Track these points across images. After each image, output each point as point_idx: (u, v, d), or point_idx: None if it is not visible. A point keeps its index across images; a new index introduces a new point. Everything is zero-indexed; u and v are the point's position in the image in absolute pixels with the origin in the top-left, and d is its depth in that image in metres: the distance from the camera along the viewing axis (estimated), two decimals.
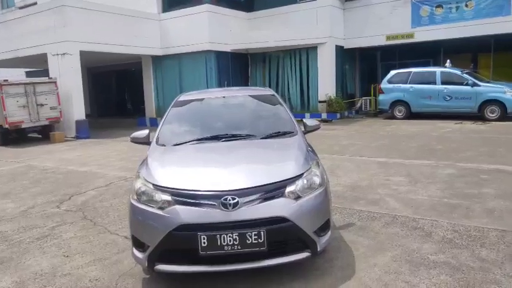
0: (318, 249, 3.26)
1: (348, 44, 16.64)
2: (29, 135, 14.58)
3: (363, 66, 18.43)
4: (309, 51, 16.06)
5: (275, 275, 3.35)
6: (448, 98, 13.34)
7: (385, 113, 15.35)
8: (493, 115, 12.79)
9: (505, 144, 8.90)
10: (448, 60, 14.29)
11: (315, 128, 4.51)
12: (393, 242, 3.99)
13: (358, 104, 16.68)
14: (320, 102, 15.62)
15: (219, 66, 16.15)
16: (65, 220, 5.18)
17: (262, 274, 3.33)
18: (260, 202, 3.09)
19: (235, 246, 3.00)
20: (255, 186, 3.13)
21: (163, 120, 4.46)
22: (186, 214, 3.05)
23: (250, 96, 4.92)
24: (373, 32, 15.93)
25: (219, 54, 16.15)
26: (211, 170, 3.45)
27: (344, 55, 16.73)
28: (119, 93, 24.35)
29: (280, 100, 4.80)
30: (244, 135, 4.09)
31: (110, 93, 24.18)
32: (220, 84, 15.96)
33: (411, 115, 14.20)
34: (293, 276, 3.37)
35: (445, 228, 4.28)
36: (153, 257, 3.14)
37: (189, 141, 4.02)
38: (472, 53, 16.77)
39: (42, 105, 13.72)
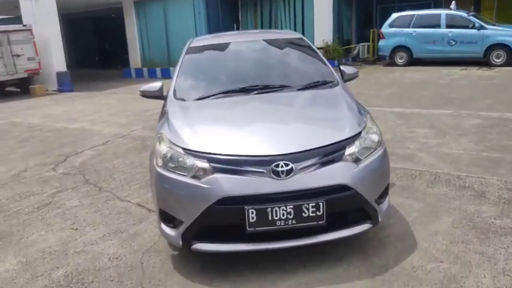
0: (379, 219, 2.80)
1: None
2: (7, 89, 13.53)
3: (359, 10, 17.46)
4: None
5: (329, 248, 2.89)
6: (453, 43, 12.72)
7: (384, 60, 14.71)
8: (499, 60, 12.29)
9: None
10: (453, 2, 13.50)
11: (354, 76, 3.92)
12: (446, 205, 3.56)
13: (356, 51, 15.91)
14: (317, 48, 14.80)
15: (208, 11, 15.02)
16: (65, 185, 4.60)
17: (313, 247, 2.85)
18: (317, 168, 2.56)
19: (290, 221, 2.50)
20: (311, 149, 2.59)
21: (177, 69, 3.79)
22: (230, 184, 2.50)
23: (276, 39, 4.25)
24: None
25: None
26: (254, 130, 2.86)
27: None
28: (98, 43, 22.87)
29: (311, 44, 4.16)
30: (278, 86, 3.48)
31: (89, 43, 22.66)
32: (209, 31, 14.92)
33: (412, 61, 13.61)
34: (350, 249, 2.92)
35: (497, 186, 3.87)
36: (189, 235, 2.63)
37: (214, 95, 3.39)
38: None
39: (18, 55, 12.61)
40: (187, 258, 2.94)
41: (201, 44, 4.14)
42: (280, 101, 3.30)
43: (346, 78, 3.82)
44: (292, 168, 2.50)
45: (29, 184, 4.72)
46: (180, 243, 2.68)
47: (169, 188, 2.67)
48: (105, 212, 3.83)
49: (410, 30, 13.35)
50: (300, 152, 2.56)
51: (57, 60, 13.29)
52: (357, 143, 2.73)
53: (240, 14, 16.56)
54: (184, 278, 2.74)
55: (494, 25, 12.78)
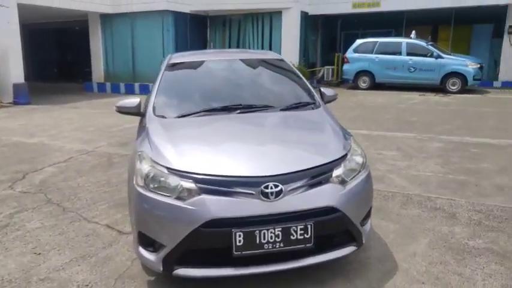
0: (364, 242, 2.78)
1: (313, 11, 16.05)
2: None
3: (324, 35, 18.00)
4: (273, 16, 15.30)
5: (311, 271, 2.83)
6: (413, 69, 13.32)
7: (347, 83, 15.14)
8: (454, 87, 12.97)
9: (476, 117, 8.94)
10: (414, 31, 14.20)
11: (334, 98, 3.96)
12: (421, 226, 3.62)
13: (320, 73, 16.32)
14: None
15: (177, 29, 14.94)
16: (24, 205, 4.29)
17: (296, 271, 2.78)
18: (306, 190, 2.52)
19: (278, 244, 2.44)
20: (300, 171, 2.55)
21: (156, 85, 3.68)
22: (218, 206, 2.41)
23: (257, 59, 4.24)
24: None
25: (177, 16, 14.92)
26: (242, 150, 2.79)
27: (307, 22, 16.16)
28: (60, 55, 22.11)
29: (291, 65, 4.18)
30: (261, 106, 3.44)
31: (50, 55, 21.84)
32: (177, 49, 14.82)
33: (375, 86, 14.09)
34: (331, 271, 2.88)
35: (466, 208, 3.99)
36: (171, 259, 2.49)
37: (196, 113, 3.31)
38: (432, 25, 16.89)
39: None
40: (164, 284, 2.79)
41: (181, 61, 4.06)
42: (265, 121, 3.26)
43: (326, 100, 3.84)
44: (281, 190, 2.45)
45: None
46: (161, 268, 2.53)
47: (151, 209, 2.54)
48: (71, 235, 3.59)
49: (373, 56, 13.87)
50: (290, 173, 2.52)
51: (14, 71, 12.68)
52: (343, 165, 2.72)
53: (208, 33, 16.58)
54: None
55: (450, 55, 13.51)
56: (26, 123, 9.14)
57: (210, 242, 2.45)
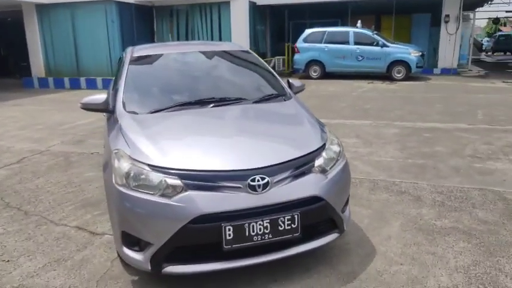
0: (345, 228, 2.88)
1: (261, 1, 16.05)
2: None
3: (273, 25, 18.11)
4: (221, 6, 15.13)
5: (295, 260, 2.88)
6: (361, 58, 13.78)
7: (299, 73, 15.38)
8: (399, 75, 13.59)
9: (423, 103, 9.43)
10: (359, 21, 14.66)
11: (302, 89, 4.01)
12: (390, 210, 3.79)
13: (272, 64, 16.42)
14: None
15: (122, 20, 14.34)
16: None
17: (282, 261, 2.82)
18: (291, 181, 2.56)
19: (266, 235, 2.46)
20: (285, 162, 2.58)
21: (123, 80, 3.51)
22: (206, 201, 2.38)
23: (224, 51, 4.19)
24: None
25: (121, 6, 14.32)
26: (223, 144, 2.76)
27: (255, 12, 16.16)
28: None
29: (258, 57, 4.18)
30: (234, 99, 3.42)
31: None
32: (123, 41, 14.25)
33: (325, 75, 14.42)
34: (315, 258, 2.95)
35: (428, 190, 4.22)
36: (159, 258, 2.44)
37: (169, 107, 3.22)
38: (375, 15, 17.50)
39: None
40: (149, 283, 2.73)
41: (145, 54, 3.92)
42: (241, 114, 3.24)
43: (295, 91, 3.89)
44: (268, 182, 2.47)
45: None
46: (149, 267, 2.47)
47: (135, 208, 2.46)
48: (40, 239, 3.40)
49: (322, 45, 14.17)
50: (275, 165, 2.54)
51: None
52: (323, 154, 2.78)
53: (155, 24, 16.12)
54: None
55: (394, 43, 14.11)
56: None
57: (199, 237, 2.43)
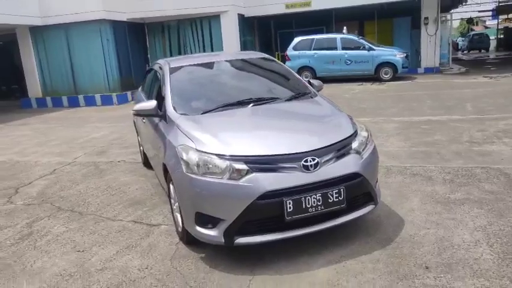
0: (379, 201, 3.36)
1: (249, 12, 16.68)
2: None
3: (261, 35, 18.74)
4: (211, 20, 15.68)
5: (337, 232, 3.35)
6: (349, 62, 14.44)
7: None
8: (387, 76, 14.29)
9: (413, 100, 10.04)
10: (345, 27, 15.39)
11: (321, 88, 4.52)
12: (408, 188, 4.29)
13: None
14: None
15: (116, 38, 14.73)
16: (37, 214, 4.36)
17: (328, 232, 3.28)
18: (335, 161, 3.04)
19: (319, 207, 2.92)
20: (330, 145, 3.07)
21: (167, 88, 3.93)
22: (269, 180, 2.84)
23: (247, 59, 4.70)
24: (273, 1, 16.23)
25: (115, 24, 14.72)
26: (275, 133, 3.25)
27: (244, 24, 16.76)
28: None
29: (280, 62, 4.68)
30: (269, 99, 3.90)
31: None
32: (119, 58, 14.65)
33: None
34: (353, 229, 3.43)
35: (437, 171, 4.75)
36: (232, 231, 2.88)
37: (216, 108, 3.68)
38: (358, 21, 18.29)
39: None
40: (218, 258, 3.15)
41: (180, 65, 4.37)
42: (280, 109, 3.73)
43: (316, 90, 4.39)
44: (318, 162, 2.94)
45: None
46: (222, 240, 2.90)
47: (207, 191, 2.90)
48: (103, 233, 3.79)
49: (312, 52, 14.81)
50: (322, 148, 3.02)
51: None
52: (356, 139, 3.28)
53: (148, 40, 16.55)
54: (225, 273, 2.95)
55: (379, 46, 14.83)
56: None
57: (265, 211, 2.87)
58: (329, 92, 12.74)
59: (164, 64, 4.43)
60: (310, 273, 2.88)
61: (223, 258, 3.14)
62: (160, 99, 3.94)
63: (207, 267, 3.05)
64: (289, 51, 15.16)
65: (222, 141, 3.08)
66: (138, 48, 16.21)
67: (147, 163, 5.50)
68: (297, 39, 15.23)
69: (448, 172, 4.69)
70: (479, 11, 33.17)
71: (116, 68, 14.67)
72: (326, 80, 15.18)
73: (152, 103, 3.83)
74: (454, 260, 2.89)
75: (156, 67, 4.85)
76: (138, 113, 3.89)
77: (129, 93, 14.83)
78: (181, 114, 3.62)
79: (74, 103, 14.56)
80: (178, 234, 3.53)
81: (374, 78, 14.58)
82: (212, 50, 15.84)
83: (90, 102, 14.39)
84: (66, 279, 3.04)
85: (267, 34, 19.17)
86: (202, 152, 3.01)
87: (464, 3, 21.75)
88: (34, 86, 15.40)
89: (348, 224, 3.27)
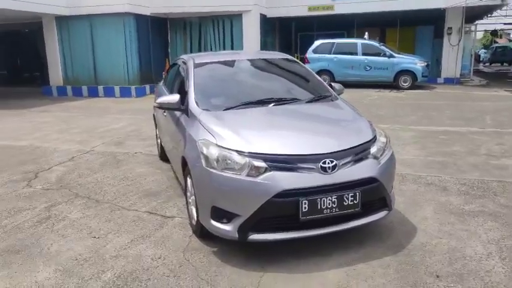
0: (393, 207, 3.37)
1: (271, 13, 16.71)
2: None
3: (282, 37, 18.77)
4: (233, 19, 15.74)
5: (348, 235, 3.37)
6: (368, 68, 14.39)
7: None
8: (406, 84, 14.19)
9: (432, 109, 9.98)
10: (366, 33, 15.32)
11: (342, 92, 4.54)
12: (422, 197, 4.29)
13: None
14: None
15: (138, 32, 14.91)
16: (55, 199, 4.47)
17: (339, 236, 3.30)
18: (353, 164, 3.07)
19: (334, 209, 2.95)
20: (349, 148, 3.09)
21: (191, 83, 3.99)
22: (287, 179, 2.88)
23: (270, 59, 4.74)
24: (296, 2, 16.24)
25: (138, 18, 14.91)
26: (295, 134, 3.29)
27: (266, 24, 16.80)
28: (9, 59, 21.11)
29: (302, 63, 4.71)
30: (290, 99, 3.94)
31: None
32: (140, 51, 14.84)
33: None
34: (365, 234, 3.44)
35: (452, 182, 4.72)
36: (246, 227, 2.93)
37: (238, 106, 3.73)
38: (380, 27, 18.19)
39: None
40: (230, 253, 3.20)
41: (204, 61, 4.43)
42: (301, 110, 3.77)
43: (337, 93, 4.41)
44: (336, 165, 2.97)
45: (10, 201, 4.48)
46: (237, 235, 2.95)
47: (225, 186, 2.95)
48: (119, 221, 3.88)
49: (331, 56, 14.79)
50: (341, 150, 3.05)
51: None
52: (375, 144, 3.30)
53: (169, 35, 16.71)
54: (237, 268, 3.00)
55: (400, 54, 14.73)
56: (2, 128, 8.93)
57: (280, 210, 2.91)
58: (347, 97, 12.54)
59: (188, 60, 4.50)
60: (320, 274, 2.91)
61: (235, 253, 3.19)
62: (183, 94, 4.01)
63: (219, 261, 3.10)
64: (309, 54, 15.16)
65: (243, 138, 3.13)
66: (159, 43, 16.38)
67: (163, 156, 5.59)
68: (317, 42, 15.23)
69: (463, 183, 4.66)
70: (504, 24, 32.59)
71: (137, 61, 14.85)
72: (344, 84, 15.10)
73: (175, 97, 3.90)
74: (465, 271, 2.89)
75: (179, 62, 4.94)
76: (161, 106, 3.97)
77: (147, 86, 15.01)
78: (204, 109, 3.68)
79: (93, 93, 14.79)
80: (191, 227, 3.59)
81: (393, 85, 14.50)
82: (232, 49, 15.91)
83: (109, 93, 14.60)
84: (81, 264, 3.12)
85: (287, 35, 19.19)
86: (223, 147, 3.07)
87: (489, 15, 21.44)
88: (56, 74, 15.68)
89: (361, 228, 3.30)
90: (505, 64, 31.81)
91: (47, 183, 5.04)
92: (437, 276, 2.83)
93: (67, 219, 3.96)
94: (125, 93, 14.43)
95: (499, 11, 19.44)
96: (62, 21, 15.24)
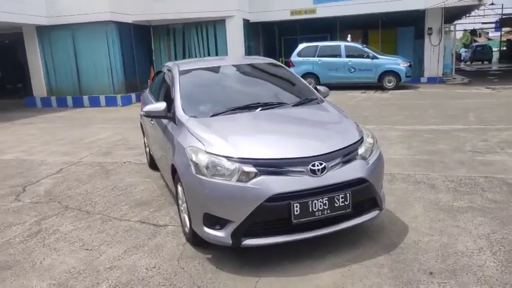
0: (384, 206, 3.42)
1: (254, 18, 16.80)
2: None
3: (265, 41, 18.86)
4: (217, 25, 15.78)
5: (341, 236, 3.40)
6: (353, 70, 14.54)
7: None
8: (390, 84, 14.38)
9: (416, 109, 10.13)
10: (349, 35, 15.50)
11: (327, 94, 4.59)
12: (411, 196, 4.35)
13: None
14: None
15: (122, 40, 14.83)
16: (45, 212, 4.41)
17: (331, 237, 3.33)
18: (342, 166, 3.10)
19: (325, 211, 2.98)
20: (336, 150, 3.13)
21: (177, 90, 3.99)
22: (277, 183, 2.90)
23: (256, 64, 4.76)
24: (278, 7, 16.36)
25: (121, 26, 14.83)
26: (283, 138, 3.31)
27: (249, 29, 16.87)
28: None
29: (286, 67, 4.76)
30: (276, 103, 3.97)
31: None
32: (124, 59, 14.74)
33: None
34: (357, 234, 3.48)
35: (440, 180, 4.80)
36: (239, 233, 2.94)
37: (224, 112, 3.75)
38: (363, 29, 18.42)
39: None
40: (224, 259, 3.20)
41: (189, 68, 4.44)
42: (288, 114, 3.80)
43: (323, 96, 4.45)
44: (325, 167, 3.00)
45: None
46: (230, 242, 2.95)
47: (216, 192, 2.95)
48: (110, 232, 3.85)
49: (316, 59, 14.91)
50: (329, 152, 3.08)
51: None
52: (362, 145, 3.34)
53: (153, 42, 16.66)
54: (232, 274, 3.00)
55: (383, 55, 14.93)
56: None
57: (272, 214, 2.93)
58: (332, 99, 12.70)
59: (173, 67, 4.50)
60: (316, 275, 2.93)
61: (229, 259, 3.19)
62: (170, 102, 4.00)
63: (214, 268, 3.10)
64: (294, 57, 15.26)
65: (231, 144, 3.14)
66: (143, 51, 16.32)
67: (152, 164, 5.57)
68: (301, 46, 15.34)
69: (451, 180, 4.74)
70: (482, 23, 33.32)
71: (121, 70, 14.76)
72: (329, 87, 15.21)
73: (162, 105, 3.89)
74: (458, 267, 2.94)
75: (165, 70, 4.93)
76: (148, 114, 3.95)
77: (133, 95, 14.92)
78: (191, 116, 3.68)
79: (78, 103, 14.65)
80: (185, 235, 3.58)
81: (377, 86, 14.68)
82: (217, 54, 15.94)
83: (94, 103, 14.47)
84: (75, 277, 3.09)
85: (271, 40, 19.30)
86: (212, 153, 3.07)
87: (468, 15, 21.90)
88: (39, 85, 15.49)
89: (353, 228, 3.33)
90: (485, 62, 32.49)
91: (35, 196, 4.97)
92: (431, 273, 2.88)
93: (58, 232, 3.91)
94: (111, 102, 14.32)
95: (476, 10, 19.89)
96: (43, 31, 15.08)
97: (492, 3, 22.58)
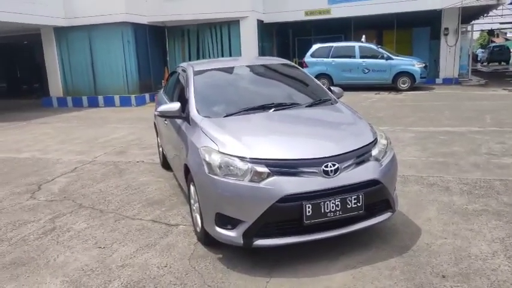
0: (396, 208, 3.38)
1: (268, 19, 16.80)
2: None
3: (279, 41, 18.85)
4: (231, 25, 15.82)
5: (354, 238, 3.38)
6: (367, 71, 14.43)
7: None
8: (404, 85, 14.23)
9: (431, 110, 10.00)
10: (363, 36, 15.38)
11: (341, 95, 4.57)
12: (425, 198, 4.29)
13: None
14: None
15: (137, 41, 14.99)
16: (59, 210, 4.48)
17: (344, 239, 3.32)
18: (355, 167, 3.08)
19: (337, 212, 2.96)
20: (350, 151, 3.11)
21: (191, 91, 4.03)
22: (290, 184, 2.90)
23: (269, 64, 4.77)
24: (292, 7, 16.34)
25: (136, 27, 14.99)
26: (297, 138, 3.31)
27: (263, 30, 16.88)
28: (8, 71, 21.21)
29: (300, 68, 4.75)
30: (290, 104, 3.97)
31: None
32: (138, 60, 14.90)
33: None
34: (370, 236, 3.45)
35: (455, 182, 4.73)
36: (251, 233, 2.94)
37: (238, 112, 3.76)
38: (377, 30, 18.27)
39: None
40: (235, 259, 3.21)
41: (204, 68, 4.46)
42: (301, 115, 3.79)
43: (336, 97, 4.43)
44: (338, 168, 2.99)
45: (14, 213, 4.49)
46: (241, 242, 2.96)
47: (228, 192, 2.96)
48: (123, 231, 3.89)
49: (330, 59, 14.84)
50: (343, 154, 3.06)
51: None
52: (376, 146, 3.32)
53: (167, 43, 16.79)
54: (243, 274, 3.01)
55: (398, 56, 14.78)
56: (3, 140, 8.95)
57: (284, 214, 2.92)
58: (346, 100, 12.64)
59: (188, 67, 4.52)
60: (327, 277, 2.92)
61: (240, 259, 3.20)
62: (184, 102, 4.03)
63: (225, 268, 3.11)
64: (307, 58, 15.21)
65: (244, 144, 3.15)
66: (157, 52, 16.46)
67: (165, 164, 5.61)
68: (315, 46, 15.29)
69: (465, 183, 4.67)
70: (500, 23, 32.77)
71: (136, 70, 14.91)
72: (343, 87, 15.18)
73: (176, 105, 3.92)
74: (471, 270, 2.90)
75: (179, 70, 4.97)
76: (163, 114, 3.99)
77: (147, 95, 15.06)
78: (205, 116, 3.70)
79: (93, 103, 14.84)
80: (196, 234, 3.60)
81: (391, 87, 14.54)
82: (230, 55, 15.98)
83: (109, 102, 14.65)
84: (88, 274, 3.13)
85: (285, 40, 19.28)
86: (225, 154, 3.09)
87: (485, 15, 21.55)
88: (56, 86, 15.74)
89: (365, 230, 3.31)
90: (502, 63, 31.91)
91: (50, 194, 5.05)
92: (444, 277, 2.84)
93: (72, 230, 3.97)
94: (125, 102, 14.47)
95: (494, 10, 19.56)
96: (61, 32, 15.32)
97: (511, 3, 22.18)
